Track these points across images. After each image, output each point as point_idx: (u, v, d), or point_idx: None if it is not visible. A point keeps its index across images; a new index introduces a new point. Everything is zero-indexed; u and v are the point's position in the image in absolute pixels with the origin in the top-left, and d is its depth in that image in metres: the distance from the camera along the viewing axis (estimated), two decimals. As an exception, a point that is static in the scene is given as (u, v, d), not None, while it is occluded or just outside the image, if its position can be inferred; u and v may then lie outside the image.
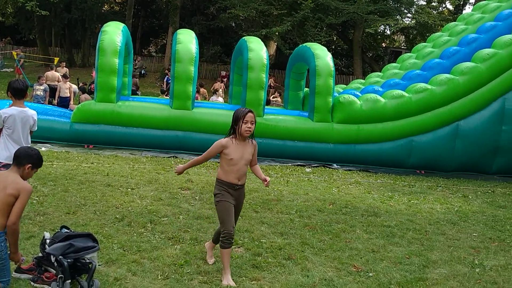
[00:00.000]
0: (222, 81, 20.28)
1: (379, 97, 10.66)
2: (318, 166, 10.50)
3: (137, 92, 16.93)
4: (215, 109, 11.15)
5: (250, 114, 4.20)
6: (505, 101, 10.36)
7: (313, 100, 10.70)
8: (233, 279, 4.25)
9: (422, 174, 10.64)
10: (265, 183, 4.33)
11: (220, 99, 15.85)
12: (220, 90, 17.85)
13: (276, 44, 26.85)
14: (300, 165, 10.45)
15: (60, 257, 3.72)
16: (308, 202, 7.24)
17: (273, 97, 17.13)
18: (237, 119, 4.22)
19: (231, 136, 4.27)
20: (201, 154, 4.43)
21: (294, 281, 4.31)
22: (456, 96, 10.37)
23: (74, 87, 15.26)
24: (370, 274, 4.64)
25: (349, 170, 10.37)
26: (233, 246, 5.04)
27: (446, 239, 6.04)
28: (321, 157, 10.63)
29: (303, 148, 10.61)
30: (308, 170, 10.09)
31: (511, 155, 10.54)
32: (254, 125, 4.23)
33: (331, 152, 10.59)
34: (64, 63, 20.75)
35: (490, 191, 9.34)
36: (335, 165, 10.60)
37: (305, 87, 12.80)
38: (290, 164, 10.43)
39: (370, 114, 10.47)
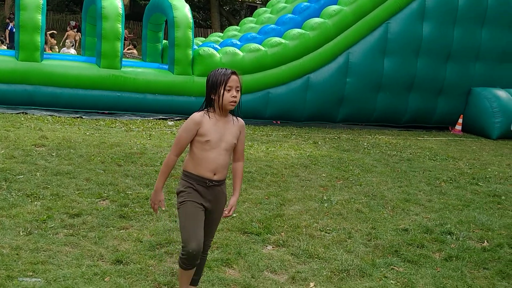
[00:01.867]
0: (79, 30, 18.85)
1: (237, 50, 10.94)
2: (180, 119, 10.57)
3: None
4: (67, 61, 10.47)
5: (234, 77, 2.97)
6: (349, 55, 11.35)
7: (172, 53, 10.60)
8: (100, 230, 4.23)
9: (278, 124, 11.33)
10: (226, 213, 3.15)
11: (73, 51, 14.81)
12: (72, 39, 16.67)
13: (130, -6, 25.67)
14: (162, 119, 10.42)
15: None
16: (172, 153, 7.32)
17: (127, 49, 16.53)
18: (215, 85, 2.95)
19: (206, 109, 3.02)
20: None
21: (163, 226, 4.44)
22: (307, 50, 11.07)
23: None
24: (234, 215, 4.96)
25: (210, 122, 10.61)
26: (97, 199, 5.00)
27: (300, 180, 6.63)
28: (183, 110, 10.66)
29: (164, 101, 10.54)
30: (170, 123, 10.11)
31: (354, 105, 11.68)
32: (240, 93, 3.02)
33: (193, 105, 10.66)
34: None
35: (336, 137, 10.34)
36: (196, 117, 10.75)
37: (164, 39, 12.59)
38: (152, 118, 10.34)
39: (230, 67, 10.54)
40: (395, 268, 4.10)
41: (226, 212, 3.12)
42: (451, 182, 7.27)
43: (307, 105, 11.31)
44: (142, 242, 4.08)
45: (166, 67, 11.01)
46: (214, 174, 3.00)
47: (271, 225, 4.79)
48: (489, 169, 8.45)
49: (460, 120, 12.74)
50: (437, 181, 7.24)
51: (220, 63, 10.63)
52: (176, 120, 10.47)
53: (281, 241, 4.43)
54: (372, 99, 11.70)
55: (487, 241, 4.90)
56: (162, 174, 3.04)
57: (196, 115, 3.00)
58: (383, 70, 11.54)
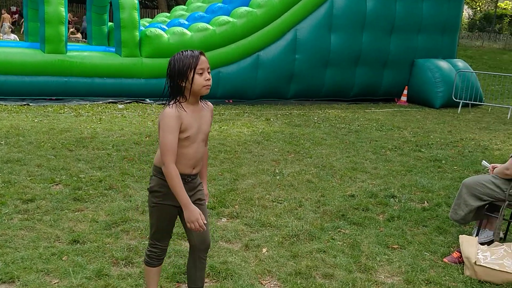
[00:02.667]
0: (21, 15, 18.15)
1: (185, 30, 10.91)
2: (130, 102, 10.50)
3: None
4: (11, 47, 10.15)
5: (203, 58, 2.64)
6: (297, 32, 11.54)
7: (119, 35, 10.46)
8: (55, 213, 4.27)
9: (231, 103, 11.44)
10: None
11: (12, 36, 14.29)
12: (8, 22, 16.05)
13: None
14: (112, 102, 10.32)
15: None
16: (124, 136, 7.33)
17: (71, 33, 16.12)
18: (183, 70, 2.59)
19: (175, 101, 2.61)
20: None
21: (118, 206, 4.51)
22: (255, 28, 11.17)
23: None
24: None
25: (162, 104, 10.54)
26: (50, 184, 5.00)
27: (253, 156, 6.81)
28: (133, 93, 10.62)
29: (113, 84, 10.43)
30: (120, 106, 10.04)
31: (304, 81, 11.93)
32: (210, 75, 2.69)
33: (143, 87, 10.64)
34: None
35: (288, 113, 10.58)
36: (147, 99, 10.72)
37: (109, 21, 12.37)
38: (101, 102, 10.22)
39: (178, 47, 10.69)
40: (342, 230, 4.36)
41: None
42: (395, 150, 7.65)
43: (258, 83, 11.46)
44: (97, 222, 4.15)
45: (113, 49, 10.86)
46: (193, 169, 2.73)
47: (225, 199, 4.96)
48: (431, 136, 8.91)
49: (405, 91, 13.25)
50: (382, 150, 7.60)
51: (168, 44, 10.60)
52: (126, 103, 10.39)
53: (235, 213, 4.60)
54: (321, 75, 11.98)
55: (427, 202, 5.26)
56: (180, 188, 2.56)
57: (172, 110, 2.56)
58: (330, 46, 11.81)
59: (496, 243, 3.87)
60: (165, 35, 10.69)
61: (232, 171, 5.97)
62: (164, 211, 2.73)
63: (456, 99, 12.49)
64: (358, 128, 9.33)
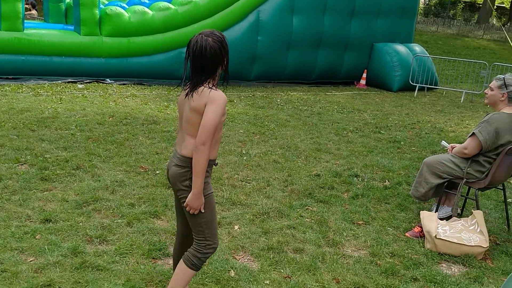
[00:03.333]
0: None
1: (146, 9, 10.73)
2: (91, 82, 10.28)
3: None
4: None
5: None
6: (259, 13, 11.55)
7: (78, 13, 10.17)
8: (23, 193, 4.22)
9: (192, 84, 11.37)
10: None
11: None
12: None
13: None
14: (72, 82, 10.08)
15: None
16: (87, 117, 7.22)
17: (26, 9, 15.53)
18: (225, 54, 2.55)
19: (209, 82, 2.54)
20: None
21: (87, 186, 4.50)
22: (217, 8, 11.09)
23: None
24: (157, 172, 5.11)
25: (124, 84, 10.45)
26: (15, 164, 4.91)
27: (218, 136, 6.86)
28: (93, 72, 10.38)
29: (73, 63, 10.16)
30: (80, 86, 9.82)
31: (266, 62, 12.00)
32: None
33: (103, 66, 10.42)
34: None
35: (251, 95, 10.64)
36: (108, 79, 10.53)
37: (68, -2, 12.00)
38: (60, 82, 9.96)
39: (139, 26, 10.52)
40: (310, 208, 4.52)
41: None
42: (357, 132, 7.88)
43: (220, 64, 11.40)
44: (68, 201, 4.13)
45: (71, 28, 10.57)
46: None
47: (194, 178, 5.01)
48: (390, 119, 9.22)
49: (364, 75, 13.55)
50: (344, 132, 7.82)
51: (129, 23, 10.40)
52: (86, 82, 10.18)
53: (204, 193, 4.67)
54: (283, 57, 12.08)
55: (388, 181, 5.50)
56: (204, 172, 2.48)
57: (222, 93, 2.51)
58: (293, 28, 11.91)
59: (454, 218, 4.12)
60: (126, 14, 10.47)
61: (199, 152, 6.01)
62: (213, 202, 2.66)
63: (413, 82, 12.90)
64: (320, 110, 9.53)
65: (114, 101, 8.68)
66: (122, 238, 3.57)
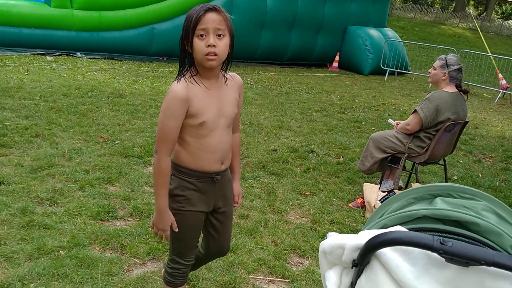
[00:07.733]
0: None
1: (119, -17, 10.67)
2: (61, 55, 10.24)
3: None
4: None
5: (210, 15, 1.90)
6: (233, -7, 11.59)
7: (49, -16, 10.09)
8: (-22, 158, 4.28)
9: (165, 60, 11.41)
10: (235, 205, 2.35)
11: None
12: None
13: None
14: (41, 54, 10.03)
15: None
16: (52, 88, 7.24)
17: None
18: (187, 29, 1.93)
19: (183, 76, 2.00)
20: None
21: (44, 152, 4.58)
22: (191, -15, 11.10)
23: None
24: (116, 142, 5.21)
25: (94, 58, 10.43)
26: (-27, 130, 4.95)
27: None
28: (63, 45, 10.34)
29: (42, 35, 10.10)
30: (49, 58, 9.78)
31: (239, 42, 11.92)
32: (226, 39, 1.94)
33: (74, 39, 10.38)
34: None
35: (221, 73, 10.72)
36: (78, 53, 10.49)
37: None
38: (29, 53, 9.91)
39: (111, 0, 10.47)
40: (261, 179, 4.69)
41: (235, 205, 2.35)
42: (321, 112, 8.07)
43: (193, 41, 11.43)
44: (23, 166, 4.22)
45: (42, 0, 10.47)
46: (222, 163, 2.14)
47: (153, 149, 5.12)
48: (356, 100, 9.43)
49: (337, 57, 13.73)
50: (309, 111, 8.00)
51: (102, -3, 10.35)
52: (56, 55, 10.13)
53: (161, 162, 4.79)
54: (256, 37, 12.15)
55: (342, 157, 5.70)
56: (162, 187, 2.01)
57: (178, 88, 1.93)
58: (266, 8, 11.97)
59: (396, 191, 4.33)
60: (98, -13, 10.41)
61: (162, 125, 6.11)
62: (190, 219, 2.14)
63: (384, 66, 13.13)
64: (288, 90, 9.68)
65: (83, 74, 8.69)
66: (73, 201, 3.69)
